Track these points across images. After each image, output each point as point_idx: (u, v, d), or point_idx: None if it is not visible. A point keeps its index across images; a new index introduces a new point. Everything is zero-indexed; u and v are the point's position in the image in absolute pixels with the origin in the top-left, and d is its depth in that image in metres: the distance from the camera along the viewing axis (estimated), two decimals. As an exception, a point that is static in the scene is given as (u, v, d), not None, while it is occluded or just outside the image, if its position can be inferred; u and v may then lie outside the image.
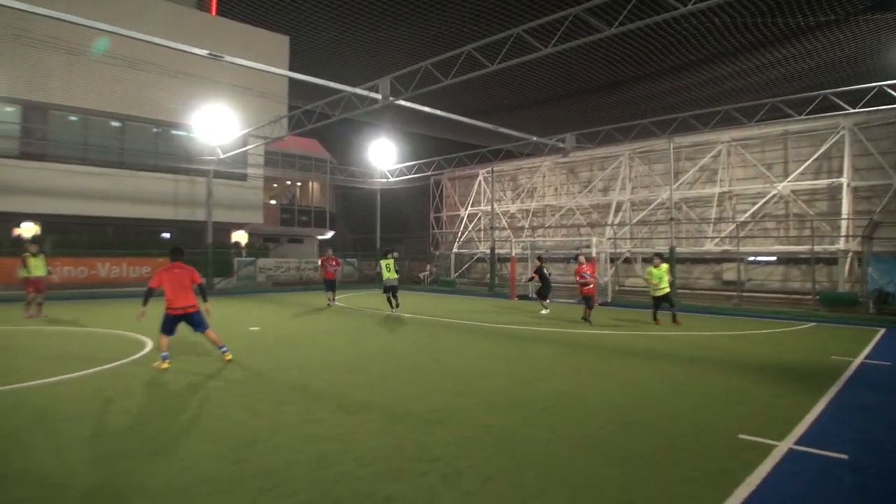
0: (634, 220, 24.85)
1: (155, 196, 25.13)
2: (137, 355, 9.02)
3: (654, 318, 14.02)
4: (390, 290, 16.55)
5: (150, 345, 9.94)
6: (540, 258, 17.96)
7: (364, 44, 24.18)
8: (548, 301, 16.98)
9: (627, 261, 25.07)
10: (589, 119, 28.83)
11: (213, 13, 27.76)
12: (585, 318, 14.08)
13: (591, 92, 27.24)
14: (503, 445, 4.93)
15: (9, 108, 22.46)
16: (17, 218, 22.88)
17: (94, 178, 23.52)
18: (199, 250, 25.39)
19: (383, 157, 31.33)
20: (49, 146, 23.11)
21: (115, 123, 25.01)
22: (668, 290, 13.81)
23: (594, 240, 21.40)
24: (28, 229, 23.18)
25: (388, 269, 16.61)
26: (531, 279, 18.22)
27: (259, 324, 13.51)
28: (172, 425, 5.46)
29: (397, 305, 16.56)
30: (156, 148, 25.92)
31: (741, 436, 5.27)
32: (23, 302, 14.49)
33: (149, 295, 8.16)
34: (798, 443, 5.11)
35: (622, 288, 24.13)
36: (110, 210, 23.99)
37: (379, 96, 17.59)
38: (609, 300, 20.16)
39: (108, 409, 6.03)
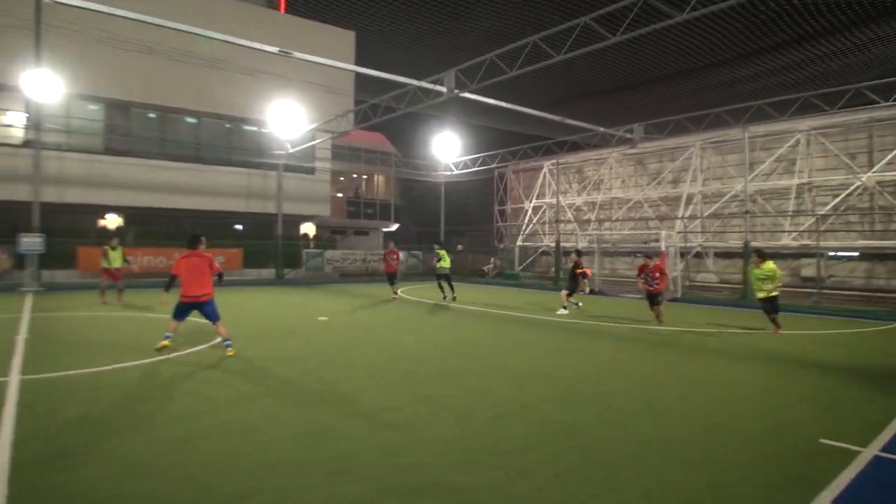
0: (706, 213, 24.07)
1: (228, 189, 26.09)
2: (212, 342, 9.38)
3: (774, 324, 11.86)
4: (442, 279, 17.84)
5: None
6: (578, 252, 16.86)
7: (429, 37, 24.30)
8: (571, 301, 15.53)
9: (698, 255, 24.32)
10: (658, 108, 28.09)
11: (282, 10, 28.49)
12: (658, 318, 12.85)
13: (661, 80, 26.52)
14: (573, 441, 4.90)
15: (93, 107, 23.75)
16: (103, 210, 24.24)
17: (171, 172, 24.63)
18: (269, 242, 26.27)
19: (447, 149, 31.47)
20: (131, 142, 24.33)
21: (190, 120, 26.09)
22: (774, 293, 11.69)
23: (663, 233, 20.86)
24: (112, 221, 24.52)
25: (441, 259, 17.91)
26: (584, 277, 16.87)
27: (327, 314, 13.85)
28: (248, 410, 5.67)
29: (453, 294, 17.72)
30: (229, 143, 26.87)
31: (823, 440, 5.05)
32: (110, 289, 15.46)
33: (171, 282, 8.39)
34: (884, 450, 4.86)
35: (693, 283, 23.45)
36: (187, 203, 25.08)
37: (444, 89, 17.66)
38: (679, 296, 19.63)
39: (186, 392, 6.34)
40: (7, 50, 20.10)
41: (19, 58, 19.27)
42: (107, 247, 15.46)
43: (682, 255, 23.02)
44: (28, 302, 15.22)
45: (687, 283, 22.56)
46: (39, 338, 9.63)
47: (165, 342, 8.26)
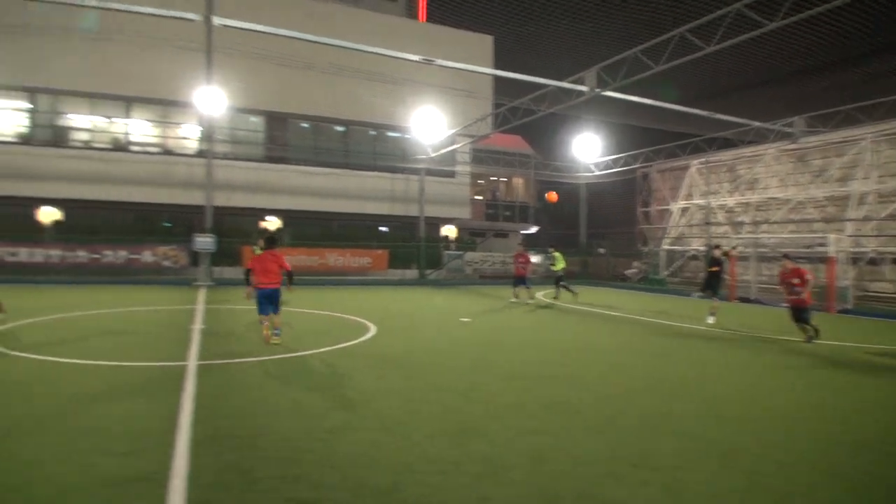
0: (882, 215, 21.55)
1: (374, 193, 27.41)
2: (363, 338, 9.85)
3: None
4: (557, 281, 18.57)
5: (373, 329, 10.83)
6: (717, 246, 14.99)
7: (569, 37, 23.94)
8: (716, 302, 13.82)
9: (873, 262, 21.83)
10: (822, 99, 25.62)
11: (422, 20, 29.41)
12: (809, 335, 10.75)
13: (826, 67, 24.22)
14: (731, 461, 4.54)
15: (254, 119, 26.05)
16: (264, 213, 26.40)
17: (323, 177, 26.37)
18: (411, 244, 27.14)
19: (588, 150, 30.78)
20: (287, 150, 26.39)
21: (339, 128, 27.72)
22: None
23: (832, 237, 18.93)
24: (271, 223, 26.65)
25: (555, 262, 18.47)
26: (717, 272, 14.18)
27: (468, 315, 14.03)
28: (395, 404, 5.87)
29: (555, 295, 18.52)
30: (374, 149, 28.22)
31: None
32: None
33: (248, 274, 9.28)
34: None
35: (866, 294, 21.07)
36: (336, 206, 26.75)
37: (585, 88, 17.31)
38: (849, 307, 17.74)
39: (338, 384, 6.69)
40: (182, 71, 22.50)
41: (192, 77, 21.46)
42: (253, 245, 16.90)
43: (854, 261, 20.78)
44: (201, 295, 16.90)
45: (859, 294, 20.32)
46: (212, 327, 10.61)
47: (275, 339, 9.00)
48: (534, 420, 5.48)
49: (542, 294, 19.01)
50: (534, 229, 37.26)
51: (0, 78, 21.78)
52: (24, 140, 23.42)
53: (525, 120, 21.10)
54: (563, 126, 35.85)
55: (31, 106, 23.72)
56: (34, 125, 23.82)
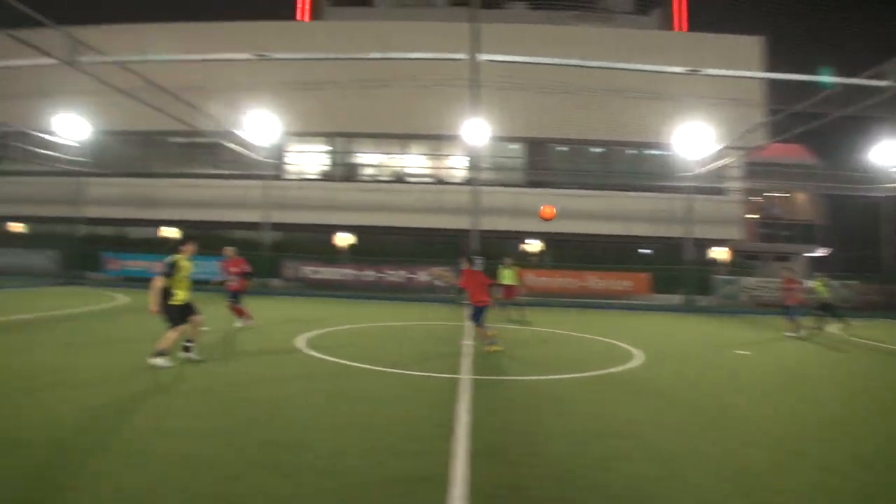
0: None
1: (634, 214, 26.69)
2: (630, 364, 9.60)
3: None
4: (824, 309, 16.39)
5: (639, 355, 10.48)
6: None
7: (857, 24, 20.71)
8: None
9: None
10: None
11: (684, 29, 28.09)
12: None
13: None
14: None
15: (513, 146, 27.35)
16: (525, 235, 27.41)
17: (582, 199, 26.50)
18: (675, 267, 25.56)
19: (889, 157, 26.06)
20: (546, 174, 27.13)
21: (596, 150, 27.66)
22: None
23: None
24: (532, 245, 27.52)
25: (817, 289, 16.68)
26: None
27: (746, 347, 12.70)
28: (670, 438, 5.54)
29: (818, 325, 16.16)
30: (633, 169, 27.56)
31: None
32: (515, 306, 17.04)
33: (460, 290, 10.21)
34: None
35: None
36: (596, 228, 26.70)
37: (887, 83, 14.83)
38: None
39: (610, 410, 6.58)
40: (449, 106, 24.60)
41: (458, 111, 23.22)
42: (500, 266, 17.41)
43: None
44: (468, 313, 17.95)
45: None
46: (479, 344, 11.14)
47: (493, 347, 10.32)
48: (834, 476, 4.76)
49: (835, 328, 16.49)
50: (821, 251, 32.62)
51: (308, 126, 26.44)
52: (326, 177, 27.97)
53: (807, 127, 18.69)
54: (856, 129, 30.81)
55: (331, 148, 28.25)
56: (332, 164, 28.33)
